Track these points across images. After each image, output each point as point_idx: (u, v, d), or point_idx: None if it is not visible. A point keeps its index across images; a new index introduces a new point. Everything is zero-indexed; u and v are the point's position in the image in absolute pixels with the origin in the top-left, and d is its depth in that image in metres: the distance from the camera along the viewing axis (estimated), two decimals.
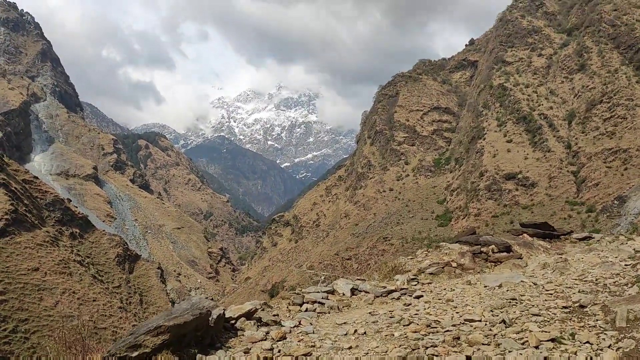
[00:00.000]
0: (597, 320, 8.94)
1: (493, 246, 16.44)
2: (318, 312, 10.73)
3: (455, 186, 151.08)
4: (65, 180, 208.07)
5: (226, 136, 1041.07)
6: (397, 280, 13.76)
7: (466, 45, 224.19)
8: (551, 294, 10.91)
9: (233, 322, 9.48)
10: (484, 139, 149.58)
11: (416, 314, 9.91)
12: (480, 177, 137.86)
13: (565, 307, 9.82)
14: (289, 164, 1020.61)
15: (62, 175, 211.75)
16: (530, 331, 8.38)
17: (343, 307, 11.36)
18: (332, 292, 12.41)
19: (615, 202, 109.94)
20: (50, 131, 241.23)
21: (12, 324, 57.93)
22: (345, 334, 9.08)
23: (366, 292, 12.42)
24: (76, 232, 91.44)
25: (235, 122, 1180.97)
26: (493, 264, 15.72)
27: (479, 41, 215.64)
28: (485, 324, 8.93)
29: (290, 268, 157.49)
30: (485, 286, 12.42)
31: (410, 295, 12.03)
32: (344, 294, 12.32)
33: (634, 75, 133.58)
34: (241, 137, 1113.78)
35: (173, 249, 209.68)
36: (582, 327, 8.67)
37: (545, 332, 8.34)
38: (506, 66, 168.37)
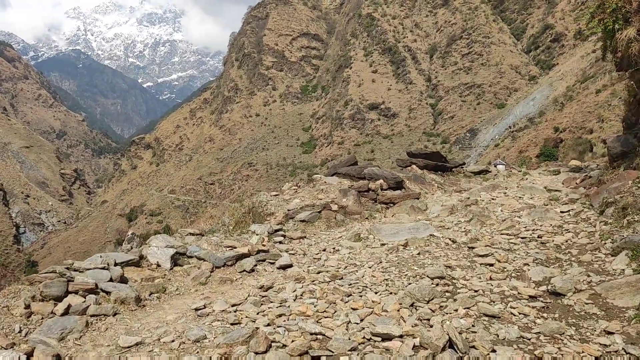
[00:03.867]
0: (607, 333, 5.10)
1: (381, 181, 12.82)
2: (90, 316, 5.44)
3: (321, 114, 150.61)
4: None
5: (82, 50, 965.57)
6: (254, 234, 9.42)
7: None
8: (491, 265, 7.11)
9: None
10: (351, 68, 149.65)
11: (280, 315, 5.50)
12: (345, 106, 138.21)
13: (532, 298, 5.95)
14: (151, 83, 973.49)
15: None
16: None
17: (151, 294, 6.40)
18: (139, 261, 7.44)
19: (467, 134, 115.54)
20: None
21: None
22: None
23: (200, 258, 7.88)
24: None
25: (92, 35, 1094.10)
26: (384, 205, 12.16)
27: None
28: (414, 350, 4.65)
29: (150, 192, 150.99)
30: (382, 244, 8.88)
31: (272, 263, 7.96)
32: (158, 266, 7.51)
33: (492, 14, 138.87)
34: (99, 52, 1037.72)
35: (21, 169, 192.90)
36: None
37: None
38: None
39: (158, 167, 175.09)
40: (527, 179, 14.23)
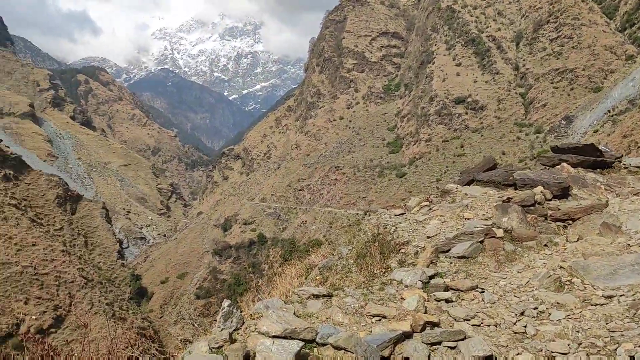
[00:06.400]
0: None
1: (540, 188, 9.74)
2: None
3: (405, 112, 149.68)
4: None
5: (170, 69, 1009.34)
6: (401, 285, 6.98)
7: None
8: None
9: None
10: (433, 63, 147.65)
11: None
12: (430, 102, 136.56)
13: None
14: (237, 95, 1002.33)
15: None
16: None
17: None
18: None
19: (563, 122, 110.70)
20: None
21: None
22: None
23: (338, 348, 5.05)
24: (10, 173, 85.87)
25: (179, 53, 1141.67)
26: (561, 223, 8.93)
27: None
28: None
29: (242, 201, 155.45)
30: (608, 296, 6.04)
31: (453, 348, 5.28)
32: None
33: None
34: (186, 69, 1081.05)
35: (121, 187, 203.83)
36: None
37: None
38: None
39: (248, 177, 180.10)
40: None
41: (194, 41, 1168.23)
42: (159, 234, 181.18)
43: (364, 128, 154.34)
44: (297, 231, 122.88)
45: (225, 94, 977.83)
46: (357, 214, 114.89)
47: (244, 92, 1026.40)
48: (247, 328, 5.49)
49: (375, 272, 7.38)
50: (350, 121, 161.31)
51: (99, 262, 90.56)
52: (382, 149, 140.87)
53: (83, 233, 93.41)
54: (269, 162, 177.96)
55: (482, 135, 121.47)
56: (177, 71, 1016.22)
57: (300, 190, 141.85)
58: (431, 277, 7.09)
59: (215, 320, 5.56)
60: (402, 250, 8.12)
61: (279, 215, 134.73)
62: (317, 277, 7.85)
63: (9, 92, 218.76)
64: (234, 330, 5.42)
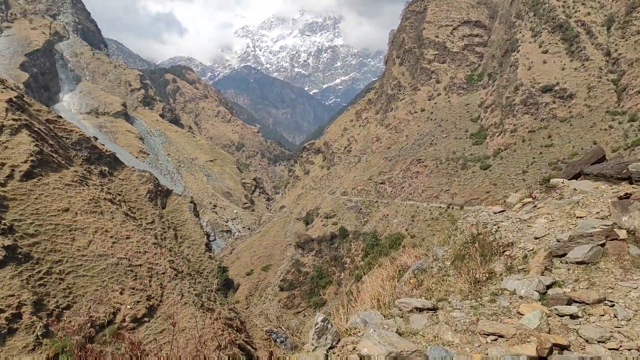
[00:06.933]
0: None
1: None
2: None
3: (489, 102, 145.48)
4: (95, 118, 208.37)
5: (253, 66, 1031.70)
6: (514, 296, 6.25)
7: None
8: None
9: None
10: (518, 52, 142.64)
11: None
12: (515, 92, 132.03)
13: None
14: (317, 90, 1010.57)
15: (91, 113, 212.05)
16: None
17: None
18: None
19: None
20: (76, 70, 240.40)
21: (46, 266, 57.51)
22: None
23: None
24: (105, 170, 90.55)
25: (260, 50, 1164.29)
26: None
27: None
28: None
29: (323, 195, 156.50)
30: None
31: None
32: None
33: None
34: (268, 65, 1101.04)
35: (207, 182, 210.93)
36: None
37: None
38: None
39: (329, 171, 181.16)
40: None
41: (275, 38, 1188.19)
42: (243, 227, 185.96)
43: (446, 119, 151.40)
44: (379, 225, 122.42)
45: (306, 88, 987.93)
46: (440, 207, 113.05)
47: (324, 86, 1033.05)
48: (343, 346, 4.93)
49: (477, 277, 6.66)
50: (431, 113, 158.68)
51: (187, 255, 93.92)
52: (465, 140, 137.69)
53: (173, 226, 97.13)
54: (349, 155, 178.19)
55: (571, 125, 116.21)
56: (259, 68, 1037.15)
57: (381, 183, 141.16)
58: (548, 287, 6.18)
59: (307, 332, 5.09)
60: (507, 253, 7.35)
61: (360, 209, 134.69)
62: (411, 280, 7.30)
63: (103, 93, 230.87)
64: (329, 348, 4.92)
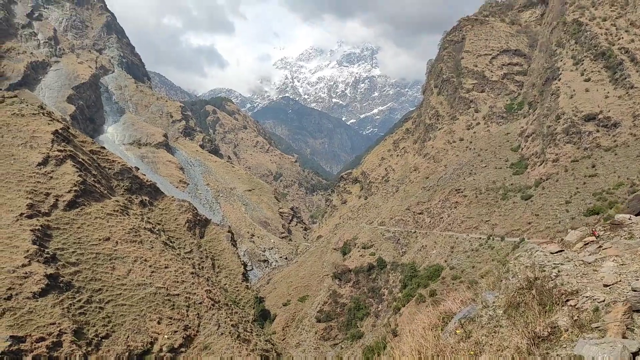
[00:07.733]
0: None
1: None
2: None
3: (529, 131, 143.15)
4: (137, 149, 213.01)
5: (291, 96, 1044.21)
6: None
7: None
8: None
9: None
10: (559, 80, 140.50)
11: None
12: (557, 120, 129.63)
13: None
14: (354, 120, 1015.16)
15: (134, 144, 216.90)
16: None
17: None
18: None
19: None
20: (120, 102, 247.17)
21: (86, 294, 58.27)
22: None
23: None
24: (145, 199, 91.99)
25: (299, 81, 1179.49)
26: None
27: None
28: None
29: (361, 225, 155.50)
30: None
31: None
32: None
33: None
34: (306, 96, 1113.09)
35: (245, 211, 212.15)
36: None
37: None
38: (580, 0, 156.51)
39: (366, 200, 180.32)
40: None
41: (313, 69, 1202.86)
42: (280, 257, 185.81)
43: (486, 149, 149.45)
44: (417, 255, 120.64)
45: (343, 118, 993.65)
46: (480, 237, 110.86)
47: (362, 116, 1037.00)
48: None
49: (537, 331, 5.59)
50: (470, 142, 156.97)
51: (225, 284, 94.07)
52: (505, 170, 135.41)
53: (210, 256, 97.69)
54: (387, 185, 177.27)
55: (616, 154, 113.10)
56: (297, 99, 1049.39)
57: (419, 213, 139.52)
58: (635, 354, 4.79)
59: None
60: (571, 303, 6.23)
61: (398, 239, 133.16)
62: (457, 331, 6.51)
63: (146, 124, 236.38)
64: None
